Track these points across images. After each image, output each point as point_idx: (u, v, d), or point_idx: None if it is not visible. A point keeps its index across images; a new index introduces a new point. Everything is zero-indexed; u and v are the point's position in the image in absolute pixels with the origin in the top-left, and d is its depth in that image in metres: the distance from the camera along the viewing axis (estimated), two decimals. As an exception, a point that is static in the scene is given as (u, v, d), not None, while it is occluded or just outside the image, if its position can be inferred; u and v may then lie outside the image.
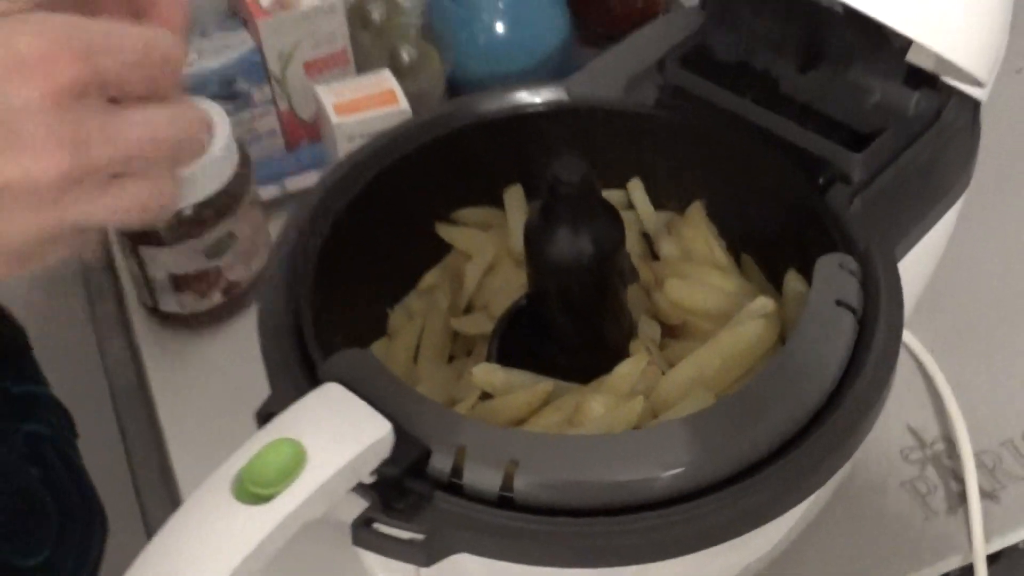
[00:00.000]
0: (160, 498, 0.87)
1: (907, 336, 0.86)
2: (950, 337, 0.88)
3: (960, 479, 0.79)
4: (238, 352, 0.89)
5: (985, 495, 0.78)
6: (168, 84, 0.50)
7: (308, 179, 0.99)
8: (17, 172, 0.44)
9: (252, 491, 0.54)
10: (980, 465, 0.79)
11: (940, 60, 0.67)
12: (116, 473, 0.93)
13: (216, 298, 0.90)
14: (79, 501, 0.89)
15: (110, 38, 0.47)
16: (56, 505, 0.86)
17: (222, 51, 0.96)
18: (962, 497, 0.78)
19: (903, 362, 0.85)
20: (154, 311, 0.91)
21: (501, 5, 1.06)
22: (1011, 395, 0.85)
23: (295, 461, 0.55)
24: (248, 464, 0.55)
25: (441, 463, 0.58)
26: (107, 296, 0.99)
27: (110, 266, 1.00)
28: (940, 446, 0.81)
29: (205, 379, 0.90)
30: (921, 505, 0.78)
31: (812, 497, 0.62)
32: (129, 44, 0.48)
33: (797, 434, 0.61)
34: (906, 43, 0.67)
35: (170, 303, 0.89)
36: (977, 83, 0.64)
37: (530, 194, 0.81)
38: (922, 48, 0.65)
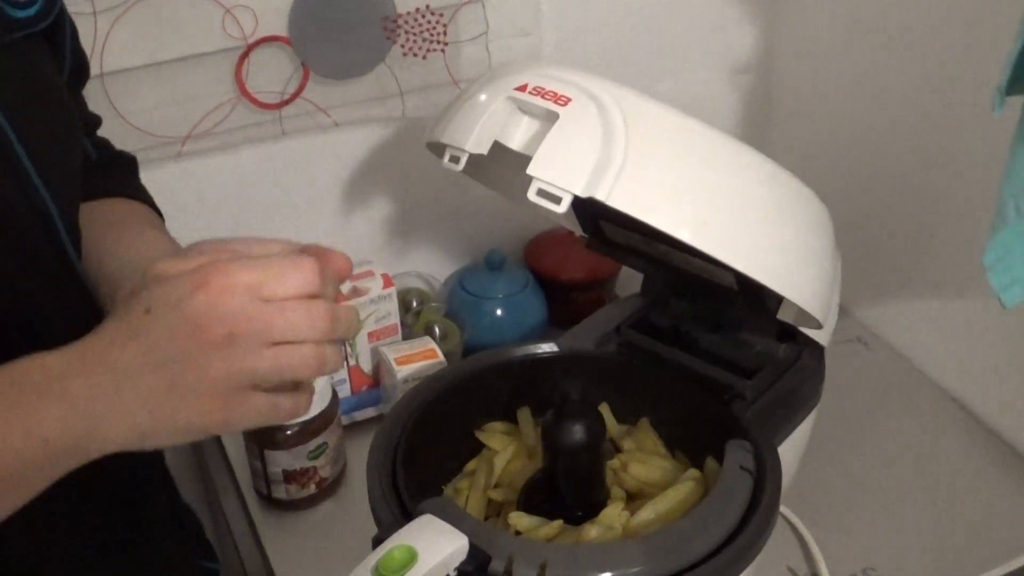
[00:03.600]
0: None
1: (786, 510, 1.02)
2: (814, 511, 1.02)
3: (824, 600, 0.96)
4: (328, 526, 1.05)
5: (841, 610, 0.95)
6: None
7: (367, 413, 1.16)
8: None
9: (384, 575, 0.71)
10: (837, 591, 0.96)
11: (798, 314, 0.85)
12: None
13: (312, 488, 1.05)
14: None
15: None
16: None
17: (312, 323, 1.15)
18: (826, 612, 0.95)
19: (784, 526, 1.01)
20: (268, 498, 1.06)
21: (500, 295, 1.25)
22: (855, 548, 1.00)
23: (411, 557, 0.72)
24: (382, 559, 0.71)
25: (498, 564, 0.74)
26: (228, 490, 1.12)
27: (228, 467, 1.14)
28: (810, 580, 0.98)
29: (305, 545, 1.03)
30: (799, 617, 0.95)
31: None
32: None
33: (714, 550, 0.77)
34: (776, 305, 0.86)
35: (280, 492, 1.05)
36: (819, 325, 0.82)
37: (535, 412, 0.97)
38: (785, 307, 0.87)
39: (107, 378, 0.57)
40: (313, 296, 0.60)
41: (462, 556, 0.75)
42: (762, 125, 1.41)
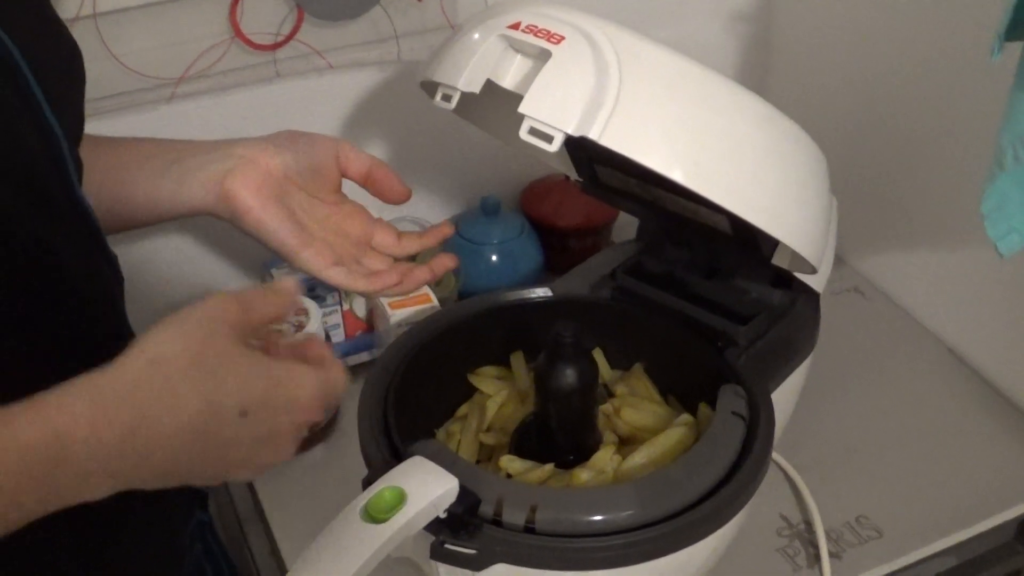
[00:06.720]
0: (270, 567, 1.02)
1: (779, 457, 1.02)
2: (808, 459, 1.02)
3: (815, 546, 0.94)
4: (320, 469, 1.06)
5: (832, 556, 0.93)
6: None
7: (361, 357, 1.16)
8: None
9: (374, 515, 0.71)
10: (829, 538, 0.95)
11: (792, 258, 0.85)
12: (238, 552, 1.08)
13: (304, 432, 1.06)
14: (226, 569, 1.00)
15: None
16: (213, 571, 0.97)
17: (306, 268, 1.15)
18: (816, 557, 0.94)
19: (777, 473, 1.01)
20: (260, 442, 1.07)
21: (496, 241, 1.24)
22: (848, 495, 1.00)
23: (400, 498, 0.72)
24: (371, 499, 0.71)
25: (488, 507, 0.74)
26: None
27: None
28: (802, 526, 0.97)
29: (296, 486, 1.04)
30: (791, 563, 0.94)
31: (713, 540, 0.77)
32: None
33: (706, 495, 0.77)
34: (771, 250, 0.85)
35: (273, 436, 1.06)
36: (813, 270, 0.81)
37: (528, 357, 0.97)
38: (780, 252, 0.86)
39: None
40: None
41: (452, 498, 0.74)
42: (761, 73, 1.39)
